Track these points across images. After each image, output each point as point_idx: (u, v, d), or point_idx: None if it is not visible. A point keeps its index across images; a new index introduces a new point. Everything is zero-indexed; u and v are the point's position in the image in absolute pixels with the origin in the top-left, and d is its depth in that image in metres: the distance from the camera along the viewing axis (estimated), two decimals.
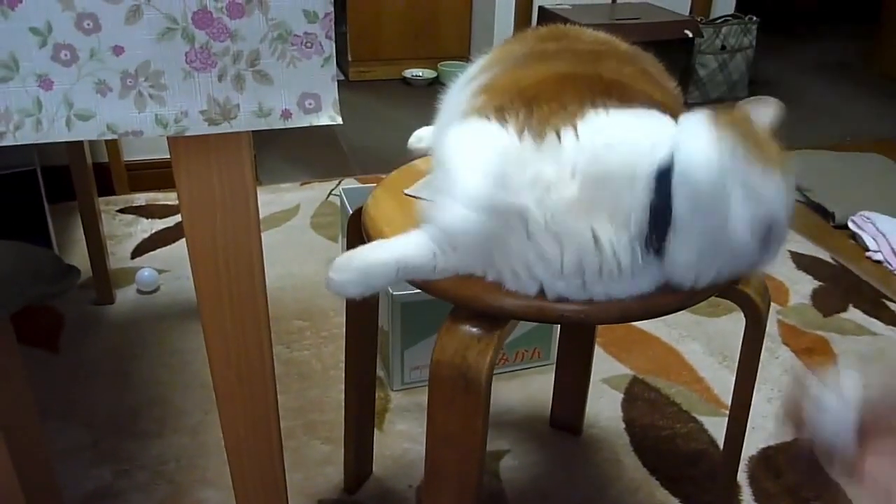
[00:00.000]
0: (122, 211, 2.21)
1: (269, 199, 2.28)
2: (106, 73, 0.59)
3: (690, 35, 3.12)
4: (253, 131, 0.67)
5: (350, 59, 3.45)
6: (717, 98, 3.32)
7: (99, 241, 1.74)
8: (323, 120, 0.65)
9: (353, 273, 0.79)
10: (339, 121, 0.64)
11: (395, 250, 0.79)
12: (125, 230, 2.11)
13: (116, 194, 2.29)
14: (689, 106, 0.89)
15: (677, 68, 0.93)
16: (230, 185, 0.69)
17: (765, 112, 0.79)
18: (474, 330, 0.78)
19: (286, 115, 0.64)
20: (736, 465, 1.13)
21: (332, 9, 0.62)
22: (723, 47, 3.26)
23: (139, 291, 1.83)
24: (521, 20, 3.22)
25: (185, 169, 0.67)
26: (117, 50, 0.58)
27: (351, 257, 0.79)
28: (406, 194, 0.96)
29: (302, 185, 2.42)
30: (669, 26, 3.11)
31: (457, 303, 0.80)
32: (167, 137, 0.64)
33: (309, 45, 0.62)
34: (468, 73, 0.91)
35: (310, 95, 0.64)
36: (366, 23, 3.41)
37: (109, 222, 2.12)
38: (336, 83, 0.64)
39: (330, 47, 0.63)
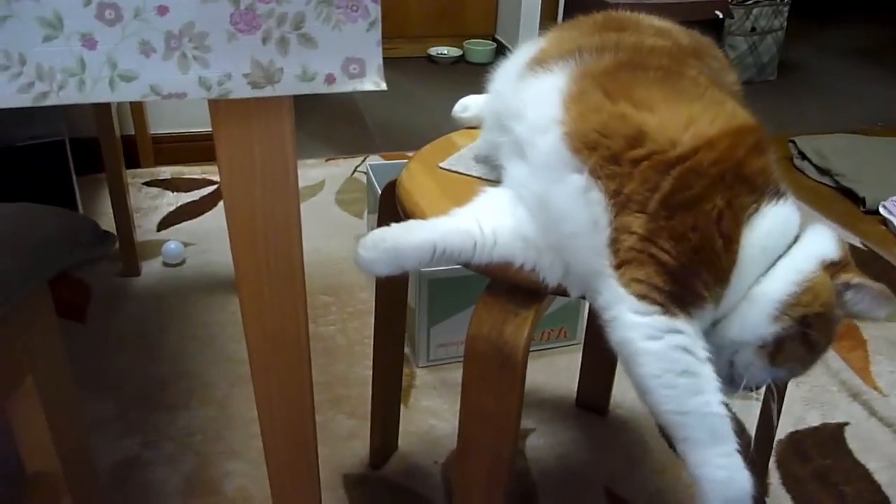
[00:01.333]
0: (147, 184, 2.21)
1: None
2: (150, 34, 0.57)
3: (721, 16, 3.07)
4: None
5: None
6: (747, 81, 3.27)
7: (126, 213, 1.74)
8: (367, 85, 0.63)
9: (384, 252, 0.76)
10: (384, 87, 0.63)
11: (434, 234, 0.76)
12: (151, 203, 2.12)
13: (142, 167, 2.29)
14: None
15: None
16: (270, 152, 0.67)
17: (880, 305, 0.74)
18: (511, 305, 0.77)
19: (330, 79, 0.62)
20: (769, 450, 1.12)
21: None
22: (753, 29, 3.21)
23: (165, 264, 1.84)
24: (549, 0, 3.18)
25: (226, 136, 0.66)
26: (161, 10, 0.57)
27: (384, 236, 0.76)
28: (440, 168, 0.95)
29: (327, 161, 2.41)
30: (699, 7, 3.06)
31: (494, 277, 0.79)
32: (208, 102, 0.63)
33: (354, 8, 0.61)
34: (524, 59, 0.84)
35: (354, 60, 0.62)
36: (392, 0, 3.39)
37: (135, 195, 2.12)
38: (381, 48, 0.63)
39: (375, 11, 0.61)
